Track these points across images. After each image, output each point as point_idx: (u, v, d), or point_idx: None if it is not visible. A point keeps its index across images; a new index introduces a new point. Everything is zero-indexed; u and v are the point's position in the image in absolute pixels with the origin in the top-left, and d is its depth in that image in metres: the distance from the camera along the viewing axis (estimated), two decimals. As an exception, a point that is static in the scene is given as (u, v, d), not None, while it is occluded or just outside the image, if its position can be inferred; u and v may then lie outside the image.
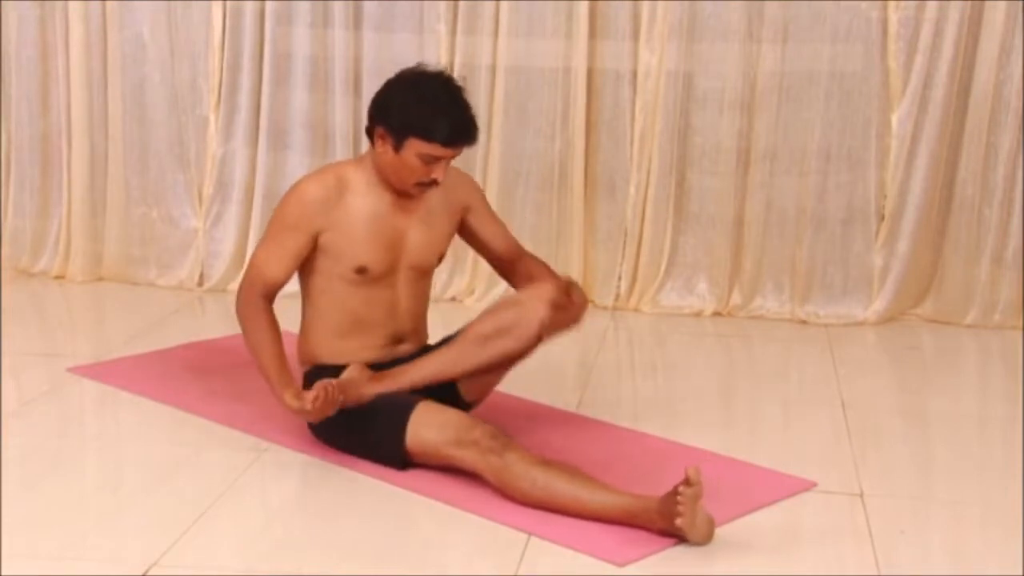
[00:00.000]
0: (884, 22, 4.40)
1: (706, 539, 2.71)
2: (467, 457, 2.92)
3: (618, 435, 3.38)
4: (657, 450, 3.28)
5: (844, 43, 4.42)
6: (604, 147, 4.61)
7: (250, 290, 3.13)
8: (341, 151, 4.64)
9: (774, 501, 2.97)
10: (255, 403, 3.44)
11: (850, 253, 4.55)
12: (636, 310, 4.64)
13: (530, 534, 2.75)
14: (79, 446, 3.34)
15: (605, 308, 4.65)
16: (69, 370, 3.80)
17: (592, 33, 4.52)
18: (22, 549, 2.65)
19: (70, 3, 4.72)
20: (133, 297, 4.75)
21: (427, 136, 3.02)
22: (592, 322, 4.50)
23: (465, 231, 3.36)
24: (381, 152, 3.09)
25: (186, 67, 4.74)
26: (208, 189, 4.79)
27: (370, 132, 3.12)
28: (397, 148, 3.05)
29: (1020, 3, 4.32)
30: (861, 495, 3.03)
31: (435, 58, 4.46)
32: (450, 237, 3.32)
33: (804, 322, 4.56)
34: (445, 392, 3.13)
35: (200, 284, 4.81)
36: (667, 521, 2.68)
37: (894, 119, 4.46)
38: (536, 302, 3.07)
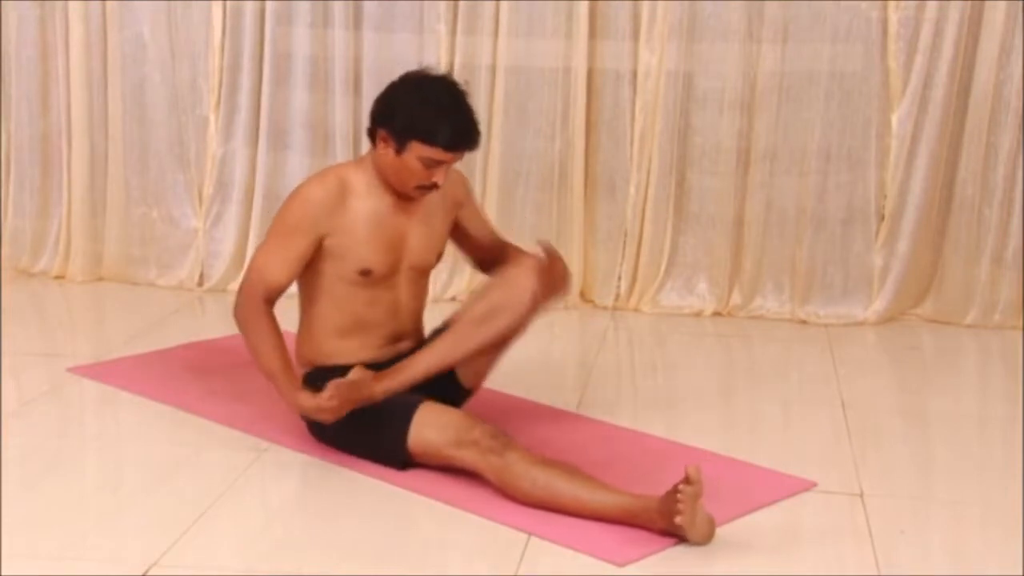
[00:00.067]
0: (884, 22, 4.40)
1: (706, 538, 2.71)
2: (467, 457, 2.92)
3: (618, 435, 3.38)
4: (657, 450, 3.27)
5: (844, 43, 4.42)
6: (604, 147, 4.61)
7: (251, 293, 3.11)
8: (341, 151, 4.64)
9: (774, 501, 2.97)
10: (255, 403, 3.44)
11: (850, 253, 4.55)
12: (636, 310, 4.64)
13: (530, 534, 2.75)
14: (79, 446, 3.34)
15: (605, 308, 4.65)
16: (69, 370, 3.80)
17: (592, 33, 4.52)
18: (22, 549, 2.65)
19: (70, 3, 4.71)
20: (133, 297, 4.74)
21: (429, 140, 3.01)
22: (592, 322, 4.52)
23: (455, 226, 3.34)
24: (383, 154, 3.08)
25: (186, 67, 4.74)
26: (208, 189, 4.79)
27: (372, 134, 3.12)
28: (399, 151, 3.04)
29: (1020, 3, 4.32)
30: (861, 495, 3.03)
31: (435, 58, 4.46)
32: (447, 235, 3.32)
33: (804, 322, 4.56)
34: (444, 380, 3.13)
35: (200, 284, 4.81)
36: (667, 520, 2.68)
37: (894, 119, 4.46)
38: (522, 275, 3.08)
